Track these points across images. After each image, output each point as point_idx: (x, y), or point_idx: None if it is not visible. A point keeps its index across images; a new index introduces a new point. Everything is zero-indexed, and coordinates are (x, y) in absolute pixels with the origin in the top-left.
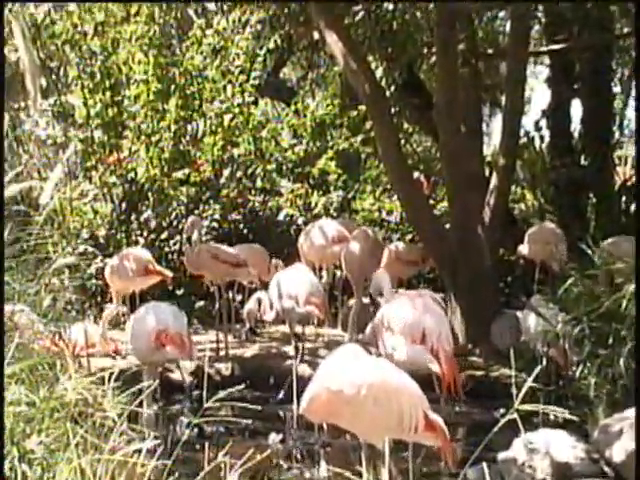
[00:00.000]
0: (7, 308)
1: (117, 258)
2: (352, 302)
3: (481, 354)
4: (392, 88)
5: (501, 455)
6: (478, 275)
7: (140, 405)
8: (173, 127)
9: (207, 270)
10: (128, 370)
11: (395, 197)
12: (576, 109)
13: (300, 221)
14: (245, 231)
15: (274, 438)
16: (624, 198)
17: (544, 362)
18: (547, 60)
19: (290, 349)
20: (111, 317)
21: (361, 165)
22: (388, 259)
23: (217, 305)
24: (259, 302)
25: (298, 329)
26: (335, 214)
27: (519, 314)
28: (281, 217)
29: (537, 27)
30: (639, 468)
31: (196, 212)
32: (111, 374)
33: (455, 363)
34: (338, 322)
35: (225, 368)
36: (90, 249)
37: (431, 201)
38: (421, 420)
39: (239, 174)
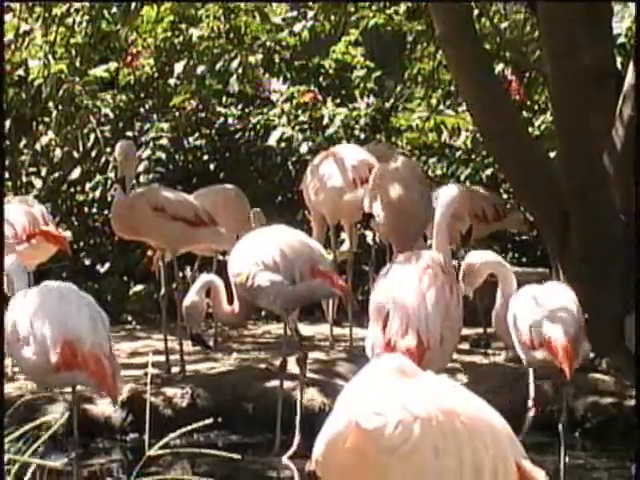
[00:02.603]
0: None
1: None
2: None
3: (609, 369)
4: None
5: None
6: (604, 238)
7: (37, 456)
8: None
9: (147, 232)
10: (13, 401)
11: (464, 107)
12: None
13: (304, 148)
14: (212, 166)
15: None
16: None
17: None
18: None
19: (289, 361)
20: None
21: (405, 53)
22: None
23: (163, 291)
24: (207, 289)
25: (297, 326)
26: (363, 136)
27: None
28: (272, 141)
29: None
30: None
31: (129, 135)
32: None
33: None
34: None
35: (180, 395)
36: None
37: (524, 113)
38: (513, 477)
39: (200, 71)
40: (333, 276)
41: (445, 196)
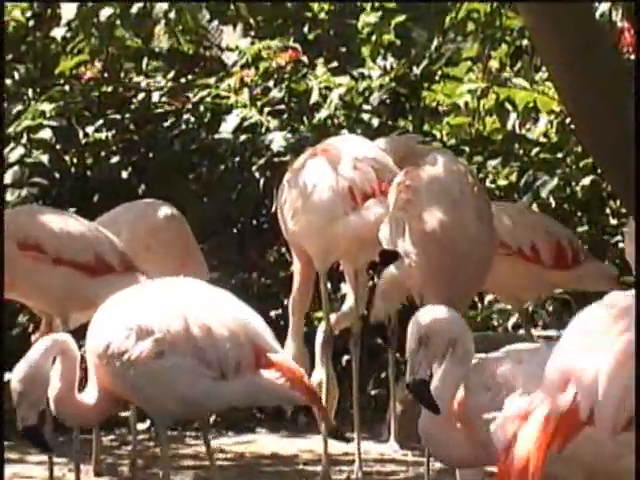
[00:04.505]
0: None
1: None
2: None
3: None
4: None
5: None
6: None
7: None
8: None
9: (12, 285)
10: None
11: (543, 73)
12: None
13: (279, 142)
14: (125, 173)
15: None
16: None
17: None
18: None
19: None
20: None
21: None
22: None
23: None
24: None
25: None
26: (376, 122)
27: None
28: (226, 132)
29: None
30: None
31: None
32: None
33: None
34: (390, 422)
35: None
36: None
37: None
38: None
39: (106, 15)
40: (295, 371)
41: None
